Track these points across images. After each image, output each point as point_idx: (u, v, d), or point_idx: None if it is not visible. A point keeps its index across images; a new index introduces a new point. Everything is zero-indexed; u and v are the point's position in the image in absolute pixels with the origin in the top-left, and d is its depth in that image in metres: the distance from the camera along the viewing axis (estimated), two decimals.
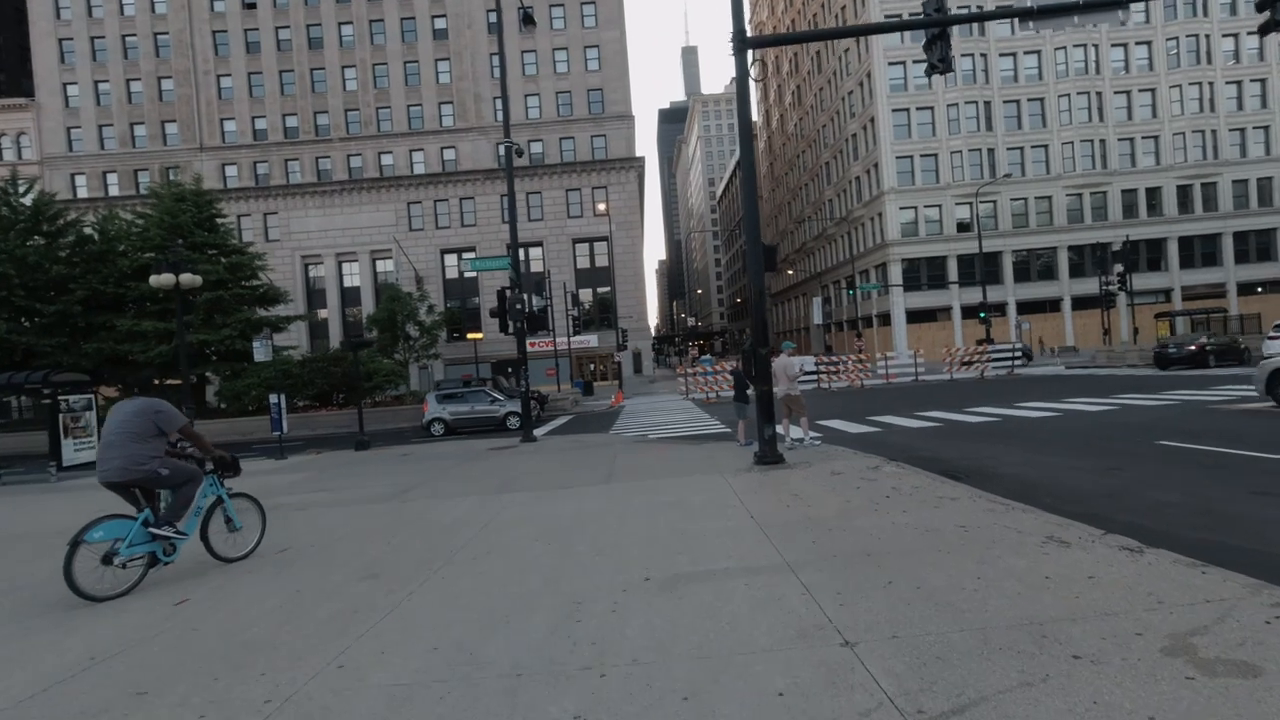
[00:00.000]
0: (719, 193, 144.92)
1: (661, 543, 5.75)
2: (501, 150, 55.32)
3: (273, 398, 16.60)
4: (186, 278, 16.08)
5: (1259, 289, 53.76)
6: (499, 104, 55.07)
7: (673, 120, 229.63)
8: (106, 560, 5.21)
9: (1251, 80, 53.75)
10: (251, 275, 32.08)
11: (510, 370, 53.60)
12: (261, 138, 54.94)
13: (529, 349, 51.77)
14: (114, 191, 54.13)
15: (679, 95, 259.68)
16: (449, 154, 55.19)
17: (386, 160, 55.38)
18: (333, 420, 28.77)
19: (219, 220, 31.82)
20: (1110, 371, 29.31)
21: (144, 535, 5.44)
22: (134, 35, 54.22)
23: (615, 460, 11.39)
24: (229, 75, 54.44)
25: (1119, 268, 35.39)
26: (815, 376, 31.96)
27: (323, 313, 55.00)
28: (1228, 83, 53.78)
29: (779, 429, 11.25)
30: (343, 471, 12.86)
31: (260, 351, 16.45)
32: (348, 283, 55.29)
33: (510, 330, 15.85)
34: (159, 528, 5.53)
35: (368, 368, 31.22)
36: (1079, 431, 11.54)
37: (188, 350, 16.73)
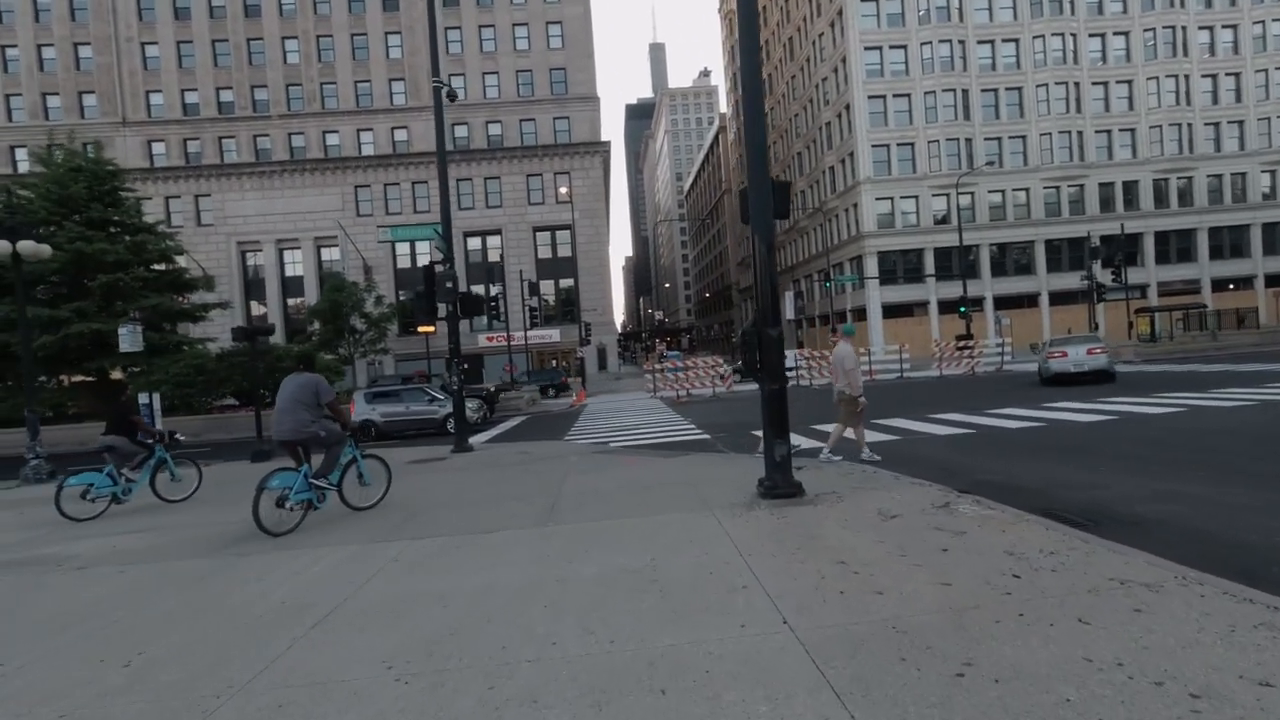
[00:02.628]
0: (687, 187, 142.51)
1: (622, 695, 2.84)
2: (458, 130, 51.89)
3: (142, 397, 13.28)
4: (28, 246, 12.58)
5: (1231, 285, 53.12)
6: (455, 82, 51.42)
7: (640, 116, 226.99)
8: (279, 503, 6.50)
9: (1227, 74, 52.96)
10: (162, 258, 28.17)
11: (464, 365, 50.17)
12: (193, 113, 50.39)
13: (487, 343, 48.24)
14: (24, 169, 49.00)
15: (646, 92, 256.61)
16: (400, 134, 51.40)
17: (332, 140, 51.32)
18: (251, 422, 25.14)
19: (123, 194, 27.84)
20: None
21: (305, 485, 6.69)
22: None
23: (564, 483, 8.44)
24: (155, 43, 49.75)
25: (1117, 259, 33.55)
26: (794, 372, 29.45)
27: (260, 306, 50.79)
28: (1203, 76, 52.90)
29: (848, 434, 9.10)
30: (206, 496, 9.66)
31: (127, 340, 13.07)
32: (290, 272, 51.15)
33: (441, 315, 12.76)
34: (317, 479, 6.82)
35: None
36: (1165, 441, 8.96)
37: (29, 338, 13.22)
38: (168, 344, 26.51)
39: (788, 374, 25.28)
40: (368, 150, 51.06)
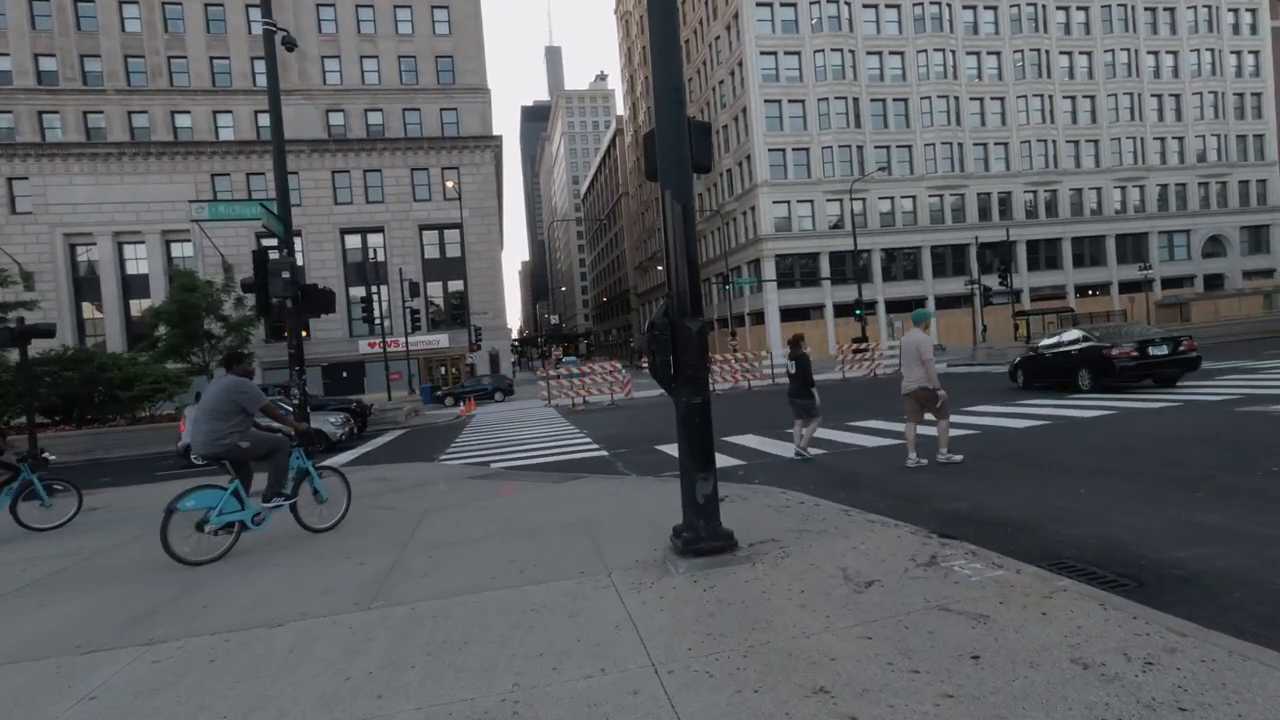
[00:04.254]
0: (584, 190, 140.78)
1: None
2: (333, 118, 47.51)
3: None
4: None
5: (1091, 291, 57.32)
6: (329, 65, 47.14)
7: (536, 118, 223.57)
8: (199, 528, 5.57)
9: (1084, 96, 57.15)
10: None
11: (344, 375, 45.91)
12: (4, 81, 43.22)
13: (369, 349, 44.28)
14: None
15: (543, 95, 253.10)
16: (265, 119, 46.30)
17: (183, 121, 45.57)
18: (66, 444, 20.96)
19: None
20: (995, 369, 27.74)
21: (233, 504, 5.77)
22: None
23: (419, 527, 6.30)
24: None
25: (997, 265, 34.65)
26: None
27: (95, 309, 44.29)
28: (1064, 97, 56.83)
29: (910, 434, 8.09)
30: None
31: None
32: (132, 269, 44.92)
33: (272, 313, 10.17)
34: (268, 500, 6.02)
35: (126, 372, 23.69)
36: (1130, 450, 7.92)
37: None
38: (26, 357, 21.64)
39: None
40: (226, 135, 45.73)
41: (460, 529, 6.11)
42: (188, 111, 45.50)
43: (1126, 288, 56.50)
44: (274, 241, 11.91)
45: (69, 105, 43.89)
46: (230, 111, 45.73)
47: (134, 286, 44.57)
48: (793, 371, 9.49)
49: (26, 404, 11.86)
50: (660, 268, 76.65)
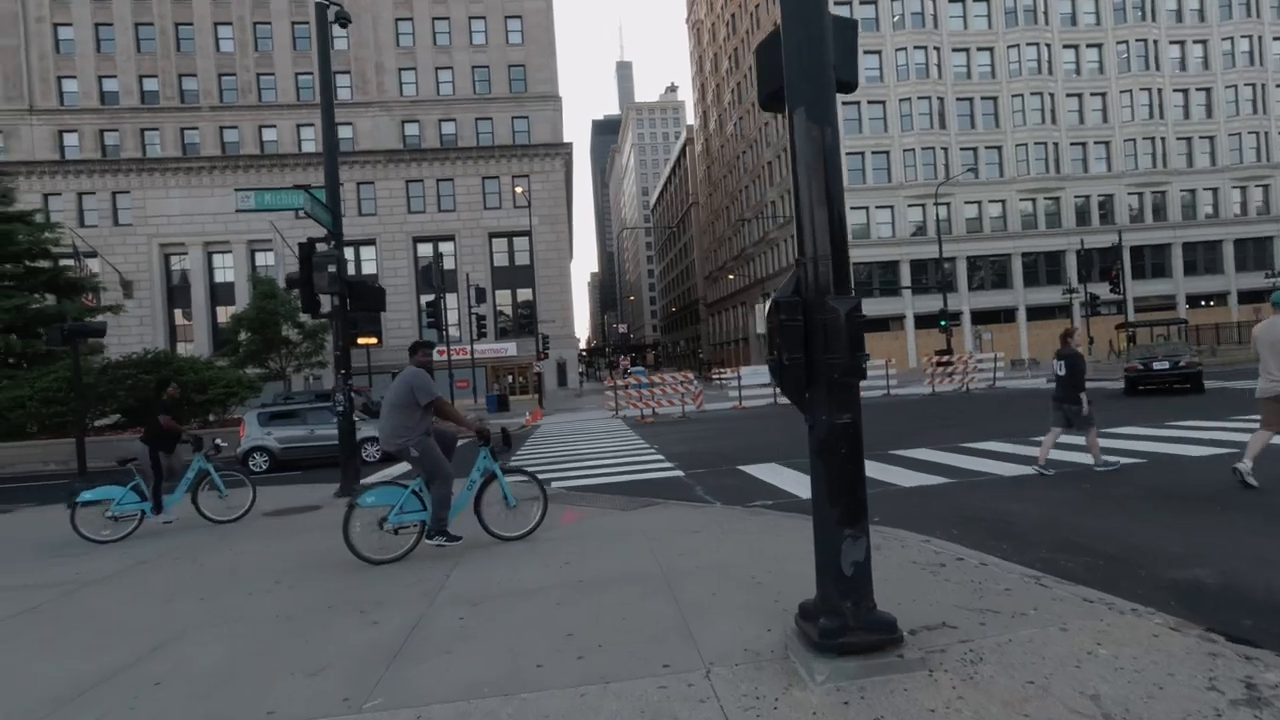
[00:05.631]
0: (653, 201, 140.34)
1: None
2: (408, 129, 48.29)
3: None
4: None
5: (1204, 302, 52.17)
6: (406, 77, 47.97)
7: (606, 132, 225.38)
8: (379, 525, 5.41)
9: (1197, 89, 52.36)
10: (40, 253, 24.03)
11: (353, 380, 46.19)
12: (111, 101, 45.80)
13: (437, 357, 44.88)
14: None
15: (614, 110, 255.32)
16: (345, 131, 47.40)
17: (269, 136, 47.20)
18: (140, 447, 21.14)
19: None
20: (1107, 384, 24.90)
21: (414, 504, 5.51)
22: None
23: (457, 567, 5.14)
24: (69, 25, 45.16)
25: (1115, 269, 31.44)
26: (772, 390, 26.59)
27: (184, 316, 46.21)
28: (1175, 90, 52.20)
29: (1247, 458, 6.21)
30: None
31: None
32: (219, 277, 46.67)
33: (322, 310, 9.37)
34: (430, 538, 5.56)
35: (201, 376, 23.90)
36: None
37: None
38: (37, 353, 22.38)
39: (761, 393, 21.46)
40: (308, 147, 47.05)
41: (506, 574, 4.89)
42: (274, 125, 47.10)
43: (1247, 297, 51.12)
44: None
45: (168, 122, 46.13)
46: (312, 125, 47.02)
47: (220, 294, 46.25)
48: (1061, 374, 8.17)
49: (81, 405, 11.37)
50: (731, 277, 74.78)
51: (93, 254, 39.67)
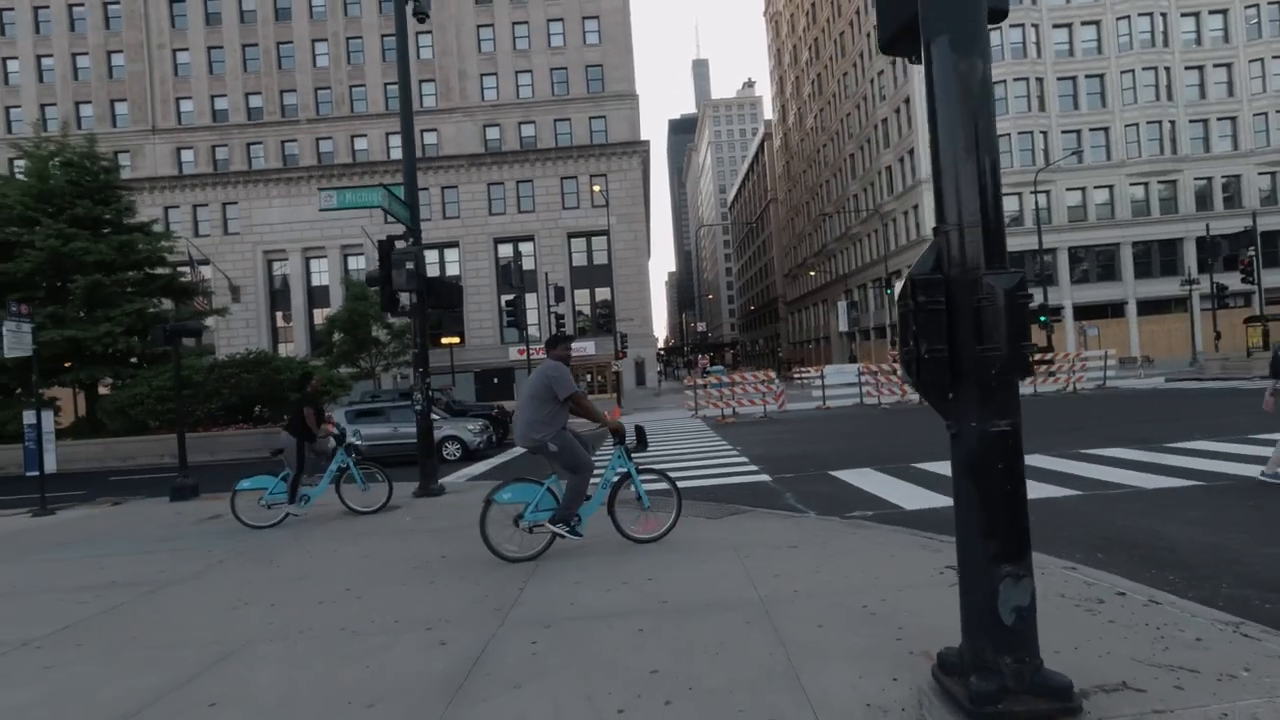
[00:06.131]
0: (730, 199, 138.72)
1: None
2: (489, 133, 49.32)
3: (28, 416, 10.23)
4: None
5: None
6: (487, 82, 49.00)
7: (682, 131, 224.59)
8: (515, 522, 5.37)
9: None
10: (157, 260, 25.73)
11: (495, 381, 47.18)
12: (221, 119, 48.98)
13: (518, 357, 45.36)
14: None
15: (690, 108, 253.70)
16: (430, 137, 48.99)
17: (360, 145, 49.30)
18: (239, 442, 22.33)
19: (118, 190, 25.54)
20: (1243, 384, 22.35)
21: (549, 502, 5.40)
22: (81, 5, 48.50)
23: (530, 580, 4.78)
24: (186, 49, 48.58)
25: (1246, 255, 28.31)
26: (857, 389, 25.39)
27: (284, 318, 48.87)
28: None
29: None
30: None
31: (10, 340, 9.99)
32: (315, 281, 49.10)
33: (400, 309, 9.32)
34: (554, 524, 5.38)
35: (299, 374, 24.90)
36: None
37: None
38: (155, 353, 23.94)
39: (848, 392, 20.36)
40: (396, 155, 48.73)
41: (583, 591, 4.49)
42: (364, 135, 49.13)
43: None
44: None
45: (270, 136, 48.91)
46: (399, 132, 48.73)
47: (317, 297, 48.61)
48: None
49: (180, 402, 11.81)
50: (812, 274, 72.69)
51: (205, 261, 42.45)
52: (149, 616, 4.57)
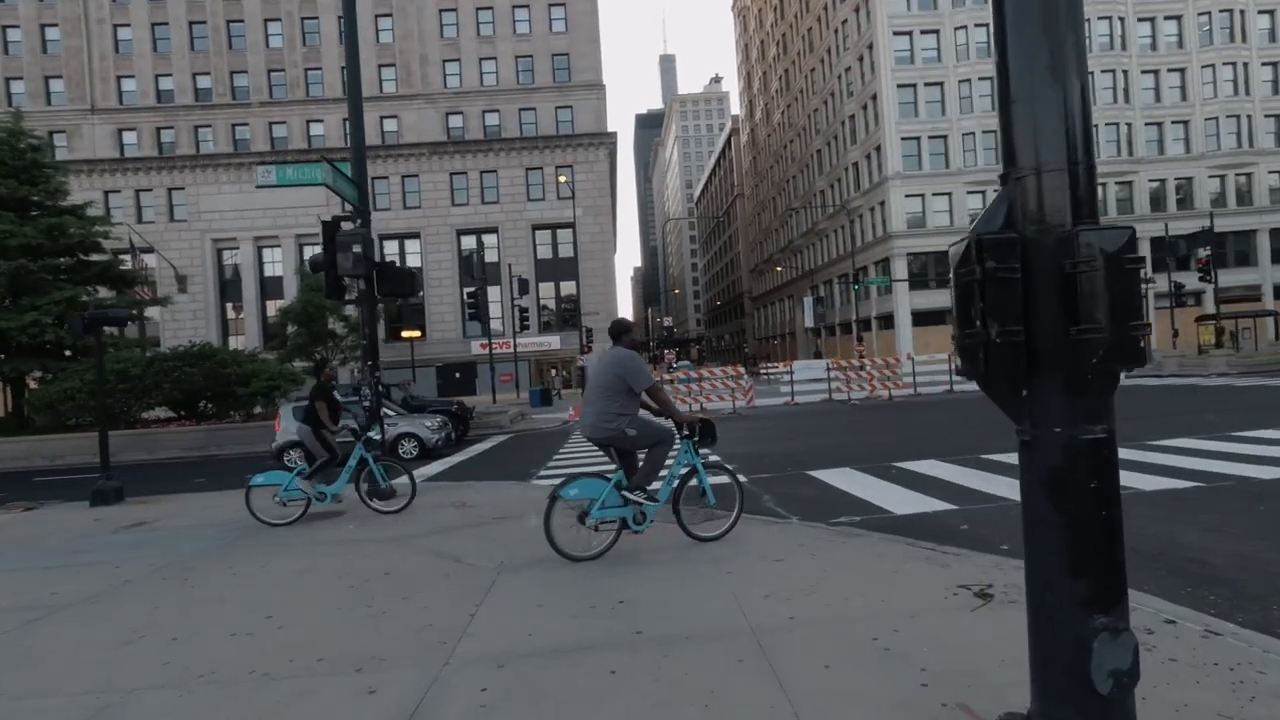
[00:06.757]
0: (697, 194, 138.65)
1: None
2: (452, 121, 47.99)
3: None
4: None
5: None
6: (450, 68, 47.62)
7: (650, 125, 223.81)
8: (581, 519, 5.11)
9: (1263, 64, 48.40)
10: (92, 246, 24.14)
11: (457, 376, 46.01)
12: (167, 100, 46.65)
13: (481, 350, 44.27)
14: None
15: (657, 104, 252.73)
16: (390, 124, 47.48)
17: (316, 130, 47.50)
18: (182, 440, 21.08)
19: (46, 169, 23.89)
20: (1200, 381, 22.72)
21: (616, 499, 5.17)
22: None
23: (482, 606, 4.15)
24: (128, 25, 46.10)
25: (1201, 255, 28.89)
26: (826, 385, 25.18)
27: (234, 309, 46.88)
28: (1264, 64, 48.33)
29: None
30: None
31: None
32: (269, 271, 47.20)
33: (348, 296, 8.52)
34: (630, 490, 5.19)
35: (246, 369, 23.69)
36: None
37: None
38: (88, 345, 22.41)
39: (815, 388, 20.09)
40: None
41: (544, 616, 3.86)
42: (321, 120, 47.34)
43: None
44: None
45: (220, 119, 46.78)
46: (346, 101, 47.05)
47: (270, 288, 46.74)
48: None
49: (101, 397, 10.80)
50: (779, 269, 72.82)
51: (149, 249, 40.34)
52: (19, 655, 3.79)
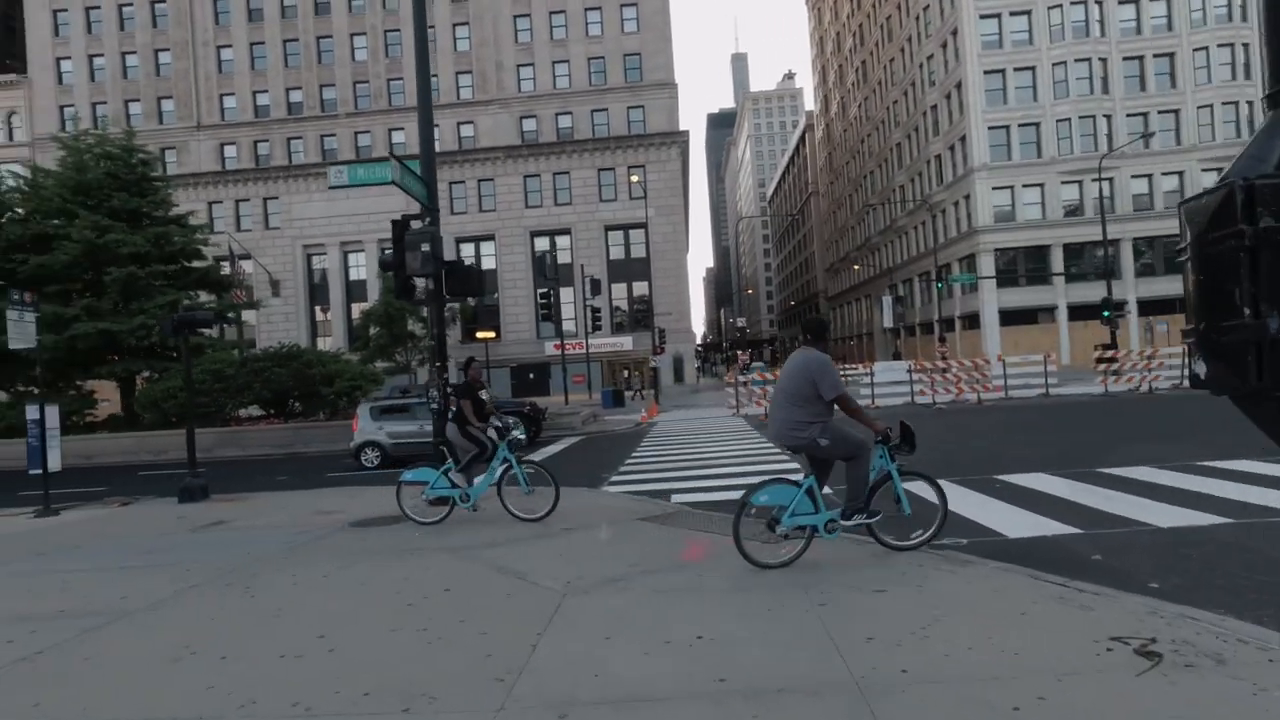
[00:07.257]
0: (770, 193, 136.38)
1: None
2: (526, 124, 48.65)
3: (30, 411, 9.66)
4: None
5: None
6: (524, 73, 48.33)
7: (721, 125, 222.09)
8: (770, 527, 4.99)
9: None
10: (193, 253, 25.58)
11: (530, 376, 46.57)
12: (263, 114, 49.37)
13: (554, 351, 44.70)
14: None
15: (729, 103, 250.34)
16: (466, 130, 48.63)
17: (398, 138, 49.13)
18: (270, 438, 21.96)
19: (155, 182, 25.46)
20: None
21: (806, 505, 4.98)
22: (130, 4, 49.32)
23: (547, 631, 3.78)
24: (229, 46, 49.05)
25: None
26: (908, 388, 23.89)
27: (322, 311, 49.09)
28: None
29: None
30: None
31: (13, 332, 9.43)
32: (354, 275, 49.19)
33: (417, 295, 8.42)
34: (847, 519, 5.09)
35: (330, 369, 24.52)
36: None
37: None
38: (190, 346, 23.72)
39: (898, 389, 18.95)
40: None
41: (614, 650, 3.44)
42: (402, 128, 48.94)
43: None
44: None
45: (310, 130, 49.13)
46: (437, 125, 48.39)
47: (355, 291, 48.67)
48: None
49: (190, 395, 11.13)
50: (856, 268, 70.53)
51: (247, 256, 42.71)
52: (69, 670, 3.67)
